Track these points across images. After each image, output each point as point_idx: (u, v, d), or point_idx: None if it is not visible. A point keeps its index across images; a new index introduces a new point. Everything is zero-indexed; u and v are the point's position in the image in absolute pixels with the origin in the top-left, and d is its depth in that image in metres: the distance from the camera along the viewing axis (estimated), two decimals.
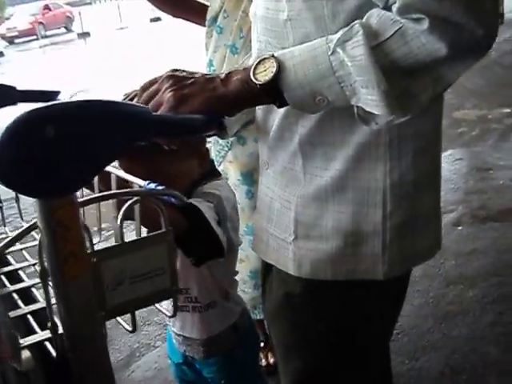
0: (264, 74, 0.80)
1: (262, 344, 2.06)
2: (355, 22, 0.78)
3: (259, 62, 0.81)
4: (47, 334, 0.73)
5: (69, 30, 21.20)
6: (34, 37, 19.12)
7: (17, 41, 19.11)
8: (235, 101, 0.83)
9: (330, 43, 0.77)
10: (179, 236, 1.15)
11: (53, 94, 1.23)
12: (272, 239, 1.01)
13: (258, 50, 0.94)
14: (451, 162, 3.88)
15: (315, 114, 0.87)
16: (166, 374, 2.20)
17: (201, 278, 1.36)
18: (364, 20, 0.78)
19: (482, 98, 5.26)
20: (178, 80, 0.82)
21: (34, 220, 0.68)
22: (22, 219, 1.08)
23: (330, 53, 0.77)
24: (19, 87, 1.20)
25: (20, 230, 0.71)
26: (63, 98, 1.21)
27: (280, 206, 0.98)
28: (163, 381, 2.18)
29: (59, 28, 21.31)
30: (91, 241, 0.72)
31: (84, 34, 17.99)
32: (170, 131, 0.74)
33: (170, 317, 0.81)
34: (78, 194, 0.69)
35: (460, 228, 3.01)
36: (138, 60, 10.21)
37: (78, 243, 0.67)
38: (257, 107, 1.00)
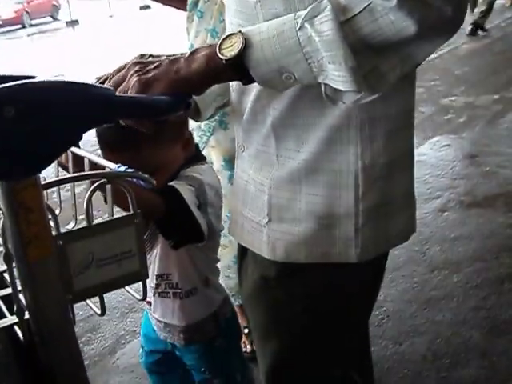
0: (230, 50, 0.79)
1: (246, 330, 2.06)
2: None
3: (226, 38, 0.80)
4: (14, 318, 0.73)
5: (55, 19, 20.73)
6: (19, 26, 18.84)
7: (1, 30, 18.76)
8: (200, 79, 0.82)
9: (298, 19, 0.76)
10: (158, 218, 1.19)
11: (27, 79, 1.21)
12: (247, 222, 1.01)
13: (230, 32, 0.93)
14: (438, 149, 3.89)
15: (287, 96, 0.86)
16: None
17: (181, 263, 1.35)
18: None
19: (470, 84, 5.27)
20: (143, 65, 0.83)
21: None
22: None
23: (297, 28, 0.76)
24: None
25: None
26: None
27: (254, 189, 0.98)
28: None
29: (45, 17, 20.71)
30: (57, 223, 0.71)
31: (72, 22, 17.80)
32: (134, 112, 0.73)
33: (140, 300, 0.80)
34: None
35: (446, 214, 3.02)
36: (126, 47, 10.13)
37: (42, 225, 0.67)
38: (231, 89, 1.00)
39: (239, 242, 1.07)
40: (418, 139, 4.04)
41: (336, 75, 0.76)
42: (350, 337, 1.08)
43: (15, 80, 1.25)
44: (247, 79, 0.82)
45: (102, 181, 0.73)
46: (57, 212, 1.03)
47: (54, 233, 0.70)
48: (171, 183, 1.19)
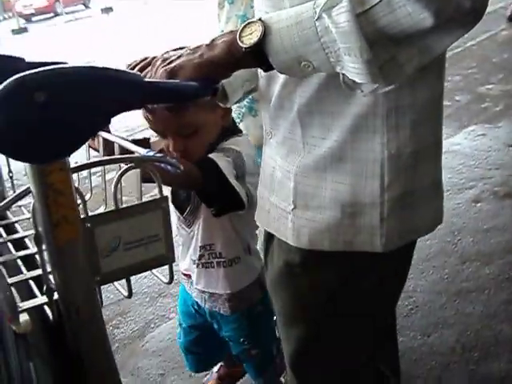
0: (249, 38, 0.79)
1: None
2: None
3: (246, 25, 0.81)
4: (44, 299, 0.75)
5: (87, 7, 20.85)
6: (51, 14, 19.05)
7: (34, 19, 18.96)
8: (223, 63, 0.82)
9: (316, 8, 0.76)
10: (197, 189, 1.25)
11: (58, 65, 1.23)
12: (273, 209, 1.02)
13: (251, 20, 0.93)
14: (473, 138, 3.81)
15: (313, 83, 0.86)
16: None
17: (224, 232, 1.41)
18: None
19: (508, 72, 5.13)
20: (167, 58, 0.85)
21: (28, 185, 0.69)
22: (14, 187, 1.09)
23: (315, 18, 0.75)
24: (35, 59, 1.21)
25: (15, 194, 0.72)
26: None
27: (281, 176, 0.98)
28: (176, 351, 2.20)
29: (77, 5, 20.91)
30: (85, 206, 0.72)
31: (107, 9, 17.98)
32: (162, 97, 0.73)
33: (167, 283, 0.82)
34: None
35: (479, 205, 2.97)
36: (159, 34, 10.18)
37: (71, 208, 0.68)
38: (259, 75, 1.00)
39: (265, 228, 1.08)
40: (453, 128, 3.97)
41: (351, 67, 0.76)
42: (374, 325, 1.08)
43: (47, 66, 1.28)
44: (267, 66, 0.82)
45: (130, 165, 0.74)
46: (87, 196, 1.05)
47: (82, 216, 0.71)
48: (209, 155, 1.25)
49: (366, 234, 0.93)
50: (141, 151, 0.82)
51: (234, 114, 1.84)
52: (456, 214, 2.85)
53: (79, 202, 0.70)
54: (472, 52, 5.88)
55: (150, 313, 2.49)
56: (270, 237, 1.08)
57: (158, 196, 0.76)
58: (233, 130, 1.40)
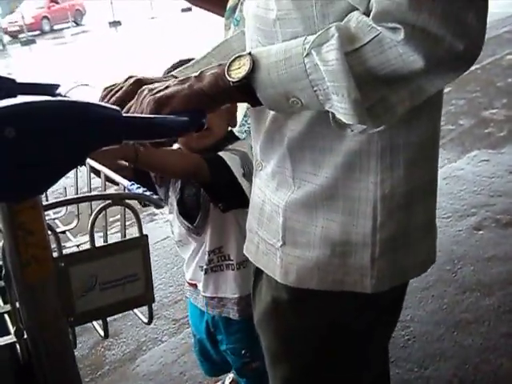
0: (237, 72, 0.77)
1: None
2: (333, 24, 0.73)
3: (235, 59, 0.78)
4: (13, 337, 0.71)
5: (78, 25, 19.94)
6: (38, 32, 18.41)
7: (21, 36, 18.33)
8: (212, 95, 0.80)
9: (306, 44, 0.73)
10: (205, 183, 1.28)
11: (52, 88, 1.21)
12: (262, 243, 0.98)
13: (249, 49, 0.91)
14: (476, 164, 3.78)
15: (304, 118, 0.83)
16: (170, 369, 2.19)
17: (232, 234, 1.43)
18: (342, 23, 0.73)
19: None
20: (153, 88, 0.82)
21: None
22: None
23: (304, 54, 0.73)
24: (30, 79, 1.19)
25: None
26: (63, 91, 1.19)
27: (270, 210, 0.95)
28: (167, 376, 2.16)
29: (67, 22, 19.80)
30: (59, 244, 0.69)
31: (115, 23, 18.09)
32: (144, 133, 0.70)
33: (146, 323, 0.78)
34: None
35: (481, 232, 2.92)
36: (168, 49, 10.24)
37: (42, 247, 0.65)
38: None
39: (254, 263, 1.04)
40: (456, 153, 3.93)
41: (339, 106, 0.73)
42: (364, 364, 1.04)
43: (38, 88, 1.25)
44: (254, 101, 0.80)
45: (108, 202, 0.71)
46: (73, 224, 1.01)
47: (55, 254, 0.68)
48: (214, 154, 1.30)
49: (356, 274, 0.90)
50: (124, 183, 0.80)
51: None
52: (456, 242, 2.80)
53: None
54: (476, 76, 5.86)
55: (143, 335, 2.45)
56: (258, 271, 1.04)
57: (138, 234, 0.73)
58: (235, 136, 1.43)
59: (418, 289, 2.46)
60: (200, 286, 1.51)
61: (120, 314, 2.60)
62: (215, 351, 1.64)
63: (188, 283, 1.59)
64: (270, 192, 0.95)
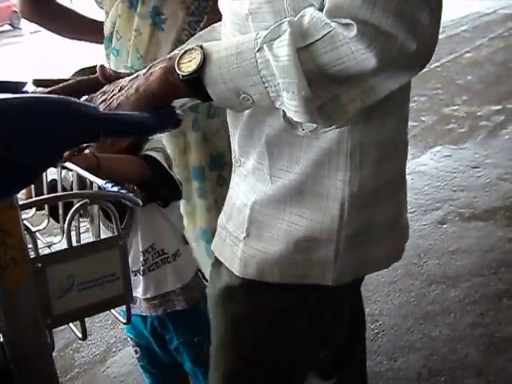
0: (188, 65, 0.75)
1: None
2: (286, 19, 0.72)
3: (186, 52, 0.76)
4: None
5: (15, 28, 17.95)
6: None
7: None
8: (160, 95, 0.78)
9: (258, 39, 0.72)
10: (146, 184, 1.31)
11: (19, 85, 1.18)
12: (228, 237, 0.99)
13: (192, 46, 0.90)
14: (438, 159, 3.86)
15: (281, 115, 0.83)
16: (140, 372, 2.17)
17: (161, 228, 1.46)
18: (296, 18, 0.72)
19: (472, 94, 5.24)
20: (106, 92, 0.81)
21: None
22: None
23: (256, 49, 0.72)
24: None
25: None
26: (29, 88, 1.17)
27: (241, 203, 0.96)
28: (139, 377, 2.13)
29: (2, 25, 17.89)
30: (36, 245, 0.68)
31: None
32: (120, 130, 0.69)
33: (125, 323, 0.77)
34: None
35: (445, 226, 2.99)
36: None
37: (19, 249, 0.63)
38: None
39: (217, 257, 1.04)
40: (419, 149, 4.01)
41: (290, 104, 0.72)
42: (313, 358, 1.06)
43: (3, 85, 1.22)
44: (205, 97, 0.78)
45: (84, 201, 0.70)
46: (44, 224, 0.99)
47: (32, 255, 0.67)
48: (144, 153, 1.37)
49: (318, 268, 0.90)
50: (99, 182, 0.79)
51: None
52: (422, 236, 2.86)
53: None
54: (437, 73, 5.98)
55: (112, 336, 2.42)
56: (218, 261, 1.04)
57: (115, 233, 0.72)
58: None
59: (385, 283, 2.50)
60: (138, 291, 1.49)
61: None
62: (165, 354, 1.62)
63: None
64: (247, 187, 0.95)
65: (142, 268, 1.46)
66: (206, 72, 0.75)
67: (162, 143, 1.50)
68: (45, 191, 0.92)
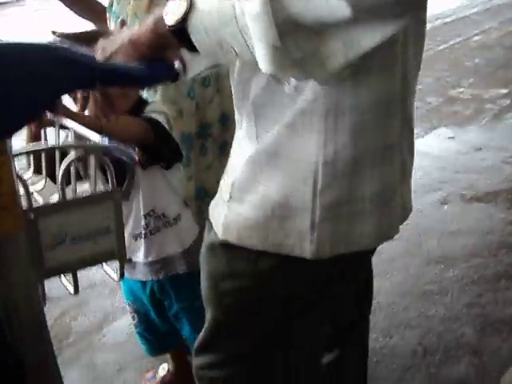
0: (173, 14, 0.73)
1: None
2: None
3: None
4: None
5: None
6: None
7: None
8: (150, 45, 0.77)
9: None
10: (150, 145, 1.30)
11: None
12: (220, 198, 0.99)
13: None
14: (442, 140, 3.83)
15: (268, 73, 0.80)
16: (137, 339, 2.18)
17: (162, 192, 1.46)
18: None
19: (479, 77, 5.18)
20: (105, 43, 0.79)
21: None
22: None
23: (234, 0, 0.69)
24: None
25: None
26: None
27: (233, 165, 0.96)
28: (134, 345, 2.13)
29: None
30: (29, 195, 0.67)
31: None
32: (117, 80, 0.67)
33: (117, 280, 0.76)
34: None
35: (446, 207, 2.97)
36: None
37: (11, 196, 0.62)
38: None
39: (207, 217, 1.04)
40: (423, 129, 3.98)
41: (261, 54, 0.69)
42: (302, 329, 1.03)
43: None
44: (191, 48, 0.76)
45: (80, 153, 0.68)
46: (41, 184, 0.98)
47: (24, 205, 0.66)
48: (148, 115, 1.35)
49: (295, 238, 0.89)
50: (96, 138, 0.77)
51: None
52: (422, 215, 2.84)
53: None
54: (444, 55, 5.92)
55: (110, 305, 2.42)
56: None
57: (110, 187, 0.71)
58: (145, 101, 1.49)
59: (384, 260, 2.49)
60: (139, 256, 1.50)
61: (85, 285, 2.57)
62: (162, 321, 1.63)
63: None
64: (241, 149, 0.94)
65: (143, 232, 1.46)
66: (190, 20, 0.72)
67: (163, 106, 1.49)
68: (42, 157, 0.90)
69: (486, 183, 3.18)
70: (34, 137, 1.03)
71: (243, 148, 0.93)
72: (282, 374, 1.05)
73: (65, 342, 2.21)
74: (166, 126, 1.35)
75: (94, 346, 2.19)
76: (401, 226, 1.01)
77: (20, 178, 0.64)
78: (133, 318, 1.69)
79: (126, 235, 1.48)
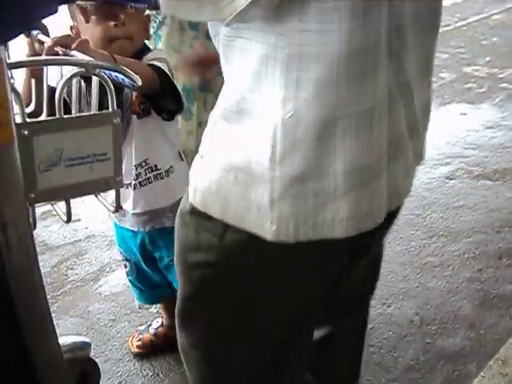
0: None
1: None
2: None
3: None
4: None
5: None
6: None
7: None
8: None
9: None
10: (153, 94, 1.26)
11: None
12: (198, 156, 0.89)
13: None
14: (453, 116, 3.77)
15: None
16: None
17: (157, 142, 1.42)
18: None
19: (495, 56, 5.08)
20: None
21: None
22: None
23: None
24: None
25: None
26: None
27: (210, 120, 0.86)
28: (129, 297, 2.13)
29: None
30: (23, 109, 0.63)
31: None
32: None
33: (113, 212, 0.73)
34: None
35: (452, 182, 2.93)
36: None
37: (3, 107, 0.58)
38: None
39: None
40: (435, 104, 3.89)
41: None
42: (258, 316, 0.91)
43: None
44: None
45: (80, 70, 0.64)
46: (31, 106, 0.92)
47: (18, 120, 0.62)
48: (149, 62, 1.29)
49: (255, 214, 0.78)
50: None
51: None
52: (428, 189, 2.81)
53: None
54: (461, 32, 5.80)
55: (107, 256, 2.41)
56: None
57: (110, 110, 0.67)
58: (148, 48, 1.46)
59: None
60: (128, 205, 1.46)
61: (84, 236, 2.56)
62: (154, 272, 1.61)
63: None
64: (217, 103, 0.85)
65: (133, 183, 1.43)
66: None
67: (165, 54, 1.45)
68: (45, 95, 0.86)
69: (495, 161, 3.13)
70: (34, 76, 0.99)
71: (219, 102, 0.84)
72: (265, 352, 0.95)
73: (61, 291, 2.21)
74: (167, 71, 1.30)
75: (89, 295, 2.18)
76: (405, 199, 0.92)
77: (15, 91, 0.60)
78: (125, 266, 1.68)
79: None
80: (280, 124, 0.72)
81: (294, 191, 0.75)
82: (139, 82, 0.66)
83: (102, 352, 1.88)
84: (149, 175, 1.42)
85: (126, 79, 0.67)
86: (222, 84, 0.81)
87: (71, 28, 1.26)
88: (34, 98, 0.91)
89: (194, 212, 0.86)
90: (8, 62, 0.59)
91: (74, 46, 0.84)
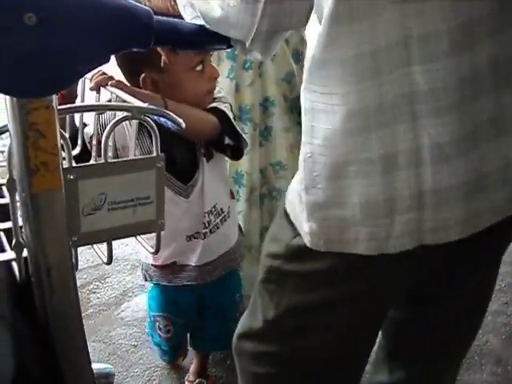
0: None
1: None
2: None
3: None
4: (12, 254, 0.66)
5: None
6: None
7: None
8: None
9: None
10: (216, 135, 1.23)
11: None
12: None
13: None
14: None
15: None
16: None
17: (220, 185, 1.35)
18: None
19: None
20: None
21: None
22: None
23: None
24: None
25: None
26: None
27: None
28: None
29: None
30: (70, 154, 0.64)
31: None
32: (174, 40, 0.64)
33: (153, 253, 0.73)
34: None
35: None
36: None
37: (52, 153, 0.59)
38: None
39: None
40: None
41: None
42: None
43: None
44: None
45: (127, 115, 0.65)
46: (77, 149, 0.94)
47: (65, 165, 0.63)
48: (213, 105, 1.25)
49: (297, 204, 0.86)
50: (141, 103, 0.74)
51: None
52: None
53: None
54: None
55: (130, 281, 2.41)
56: None
57: (154, 154, 0.67)
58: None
59: None
60: (193, 259, 1.36)
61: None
62: (198, 327, 1.56)
63: (161, 265, 1.42)
64: None
65: (203, 231, 1.33)
66: None
67: (227, 95, 1.41)
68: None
69: None
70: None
71: None
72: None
73: (83, 314, 2.20)
74: (229, 112, 1.26)
75: (111, 320, 2.18)
76: None
77: (63, 135, 0.61)
78: (167, 331, 1.55)
79: (178, 238, 1.34)
80: (302, 161, 0.81)
81: (320, 215, 0.81)
82: (183, 126, 0.67)
83: (124, 379, 1.88)
84: (217, 221, 1.34)
85: (169, 122, 0.67)
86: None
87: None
88: (80, 140, 0.90)
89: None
90: (58, 108, 0.60)
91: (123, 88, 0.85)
